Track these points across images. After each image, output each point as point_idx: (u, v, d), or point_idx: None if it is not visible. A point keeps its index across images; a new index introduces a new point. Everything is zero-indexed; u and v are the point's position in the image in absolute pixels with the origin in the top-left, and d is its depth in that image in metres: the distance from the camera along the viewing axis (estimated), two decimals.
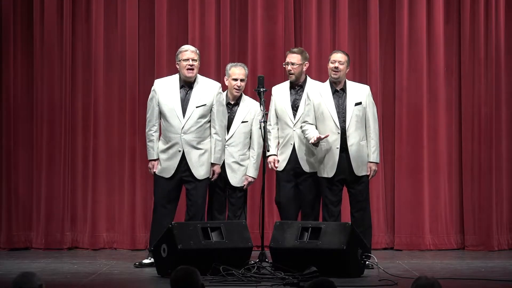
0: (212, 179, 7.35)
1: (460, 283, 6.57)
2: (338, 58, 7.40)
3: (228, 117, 7.46)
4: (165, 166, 7.30)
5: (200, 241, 6.69)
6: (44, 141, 8.85)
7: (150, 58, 8.97)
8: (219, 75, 8.55)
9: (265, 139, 7.26)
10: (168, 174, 7.29)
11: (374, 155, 7.37)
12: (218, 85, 7.43)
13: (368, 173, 7.39)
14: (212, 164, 7.32)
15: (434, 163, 8.95)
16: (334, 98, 7.38)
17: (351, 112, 7.33)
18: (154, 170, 7.36)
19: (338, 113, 7.34)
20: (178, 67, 7.39)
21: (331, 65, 7.39)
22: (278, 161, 7.55)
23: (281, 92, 7.62)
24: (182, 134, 7.27)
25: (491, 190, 8.88)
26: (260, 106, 7.35)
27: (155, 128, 7.37)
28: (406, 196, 8.93)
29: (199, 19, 8.92)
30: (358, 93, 7.41)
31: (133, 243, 8.83)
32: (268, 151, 7.41)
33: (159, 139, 7.38)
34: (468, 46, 8.96)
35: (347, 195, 7.45)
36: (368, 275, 6.77)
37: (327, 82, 7.47)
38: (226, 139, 7.45)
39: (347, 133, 7.31)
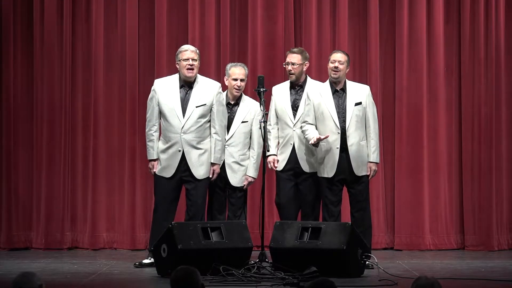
0: (212, 179, 7.35)
1: (460, 283, 6.57)
2: (338, 58, 7.40)
3: (228, 117, 7.46)
4: (165, 166, 7.30)
5: (200, 241, 6.69)
6: (44, 141, 8.85)
7: (150, 58, 8.97)
8: (219, 75, 8.55)
9: (265, 139, 7.26)
10: (168, 174, 7.29)
11: (374, 155, 7.37)
12: (218, 85, 7.43)
13: (368, 173, 7.39)
14: (212, 164, 7.32)
15: (434, 163, 8.95)
16: (334, 98, 7.38)
17: (351, 112, 7.33)
18: (154, 170, 7.36)
19: (338, 113, 7.34)
20: (178, 67, 7.39)
21: (331, 65, 7.40)
22: (277, 161, 7.55)
23: (281, 92, 7.62)
24: (182, 134, 7.27)
25: (491, 190, 8.88)
26: (260, 106, 7.35)
27: (155, 128, 7.38)
28: (406, 196, 8.93)
29: (199, 19, 8.92)
30: (358, 93, 7.41)
31: (133, 243, 8.83)
32: (268, 151, 7.41)
33: (159, 139, 7.38)
34: (468, 46, 8.96)
35: (347, 195, 7.45)
36: (368, 275, 6.77)
37: (327, 82, 7.47)
38: (226, 139, 7.45)
39: (347, 133, 7.31)
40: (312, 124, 7.36)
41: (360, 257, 6.71)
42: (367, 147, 7.38)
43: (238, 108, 7.53)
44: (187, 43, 8.12)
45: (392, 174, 8.99)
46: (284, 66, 7.65)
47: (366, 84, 7.94)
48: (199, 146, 7.29)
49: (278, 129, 7.61)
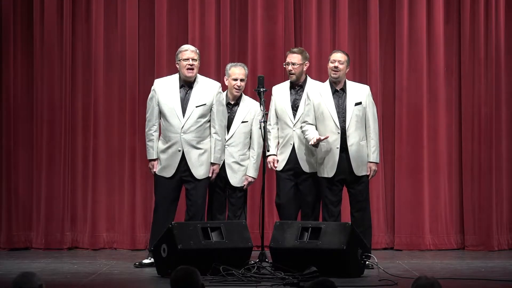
0: (211, 179, 7.35)
1: (460, 283, 6.57)
2: (338, 57, 7.40)
3: (228, 117, 7.46)
4: (165, 165, 7.30)
5: (200, 241, 6.68)
6: (44, 141, 8.85)
7: (150, 58, 8.97)
8: (219, 75, 8.55)
9: (265, 139, 7.26)
10: (168, 174, 7.29)
11: (374, 155, 7.37)
12: (218, 84, 7.43)
13: (368, 173, 7.39)
14: (212, 164, 7.32)
15: (434, 163, 8.95)
16: (334, 98, 7.38)
17: (351, 112, 7.32)
18: (154, 170, 7.36)
19: (338, 113, 7.34)
20: (178, 66, 7.39)
21: (330, 65, 7.40)
22: (277, 161, 7.55)
23: (281, 92, 7.62)
24: (181, 134, 7.27)
25: (491, 190, 8.88)
26: (260, 106, 7.34)
27: (155, 127, 7.38)
28: (406, 196, 8.93)
29: (199, 19, 8.92)
30: (358, 93, 7.41)
31: (133, 243, 8.83)
32: (268, 151, 7.41)
33: (159, 138, 7.39)
34: (468, 46, 8.96)
35: (347, 195, 7.45)
36: (368, 275, 6.77)
37: (327, 82, 7.47)
38: (226, 139, 7.45)
39: (347, 133, 7.31)
40: (312, 124, 7.36)
41: (360, 257, 6.71)
42: (367, 147, 7.38)
43: (238, 108, 7.53)
44: (187, 43, 8.11)
45: (392, 174, 8.99)
46: (284, 66, 7.65)
47: (366, 84, 7.94)
48: (199, 146, 7.29)
49: (278, 129, 7.61)
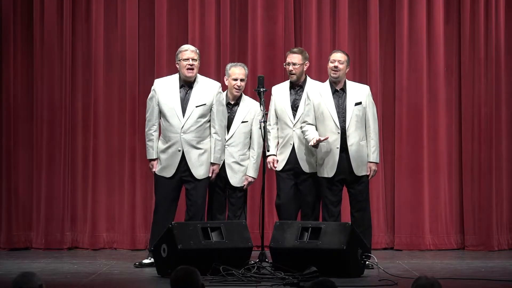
0: (211, 179, 7.35)
1: (460, 283, 6.56)
2: (337, 57, 7.40)
3: (228, 117, 7.46)
4: (165, 165, 7.30)
5: (200, 241, 6.68)
6: (44, 141, 8.85)
7: (150, 58, 8.97)
8: (219, 75, 8.55)
9: (265, 139, 7.26)
10: (168, 174, 7.29)
11: (374, 155, 7.37)
12: (218, 84, 7.43)
13: (368, 173, 7.39)
14: (212, 164, 7.32)
15: (434, 163, 8.95)
16: (334, 98, 7.38)
17: (351, 112, 7.32)
18: (154, 170, 7.36)
19: (338, 113, 7.34)
20: (178, 66, 7.39)
21: (330, 65, 7.40)
22: (277, 161, 7.54)
23: (281, 92, 7.62)
24: (181, 134, 7.27)
25: (491, 190, 8.88)
26: (260, 106, 7.34)
27: (155, 127, 7.38)
28: (406, 196, 8.93)
29: (199, 19, 8.92)
30: (358, 93, 7.41)
31: (133, 243, 8.83)
32: (268, 151, 7.41)
33: (159, 138, 7.39)
34: (468, 46, 8.96)
35: (347, 195, 7.45)
36: (368, 275, 6.77)
37: (327, 82, 7.47)
38: (226, 139, 7.45)
39: (347, 133, 7.31)
40: (312, 125, 7.35)
41: (360, 257, 6.71)
42: (367, 147, 7.38)
43: (238, 108, 7.53)
44: (187, 43, 8.11)
45: (392, 174, 8.99)
46: (285, 66, 7.64)
47: (366, 84, 7.94)
48: (199, 146, 7.29)
49: (277, 129, 7.60)
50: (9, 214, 8.84)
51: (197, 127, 7.28)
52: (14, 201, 8.86)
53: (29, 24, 8.93)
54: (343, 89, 7.40)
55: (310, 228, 6.78)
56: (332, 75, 7.39)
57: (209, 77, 7.65)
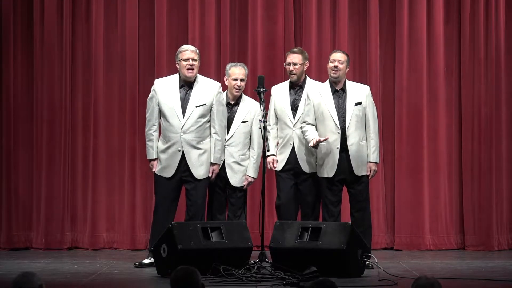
0: (211, 179, 7.35)
1: (460, 283, 6.56)
2: (337, 57, 7.40)
3: (228, 117, 7.46)
4: (165, 165, 7.30)
5: (200, 241, 6.68)
6: (44, 141, 8.85)
7: (150, 58, 8.97)
8: (219, 75, 8.55)
9: (265, 139, 7.26)
10: (168, 174, 7.29)
11: (374, 155, 7.37)
12: (218, 85, 7.43)
13: (368, 173, 7.39)
14: (212, 164, 7.32)
15: (434, 163, 8.95)
16: (334, 98, 7.38)
17: (351, 112, 7.32)
18: (154, 170, 7.36)
19: (338, 113, 7.34)
20: (178, 67, 7.39)
21: (330, 64, 7.40)
22: (277, 161, 7.54)
23: (280, 92, 7.61)
24: (181, 134, 7.27)
25: (491, 190, 8.88)
26: (260, 106, 7.34)
27: (155, 127, 7.38)
28: (406, 196, 8.93)
29: (199, 19, 8.92)
30: (358, 93, 7.41)
31: (133, 243, 8.83)
32: (268, 151, 7.41)
33: (159, 138, 7.39)
34: (468, 46, 8.96)
35: (347, 195, 7.45)
36: (368, 275, 6.77)
37: (327, 82, 7.47)
38: (226, 139, 7.45)
39: (347, 133, 7.31)
40: (312, 125, 7.35)
41: (360, 257, 6.71)
42: (367, 147, 7.38)
43: (238, 108, 7.53)
44: (187, 43, 8.11)
45: (392, 174, 8.99)
46: (285, 66, 7.63)
47: (366, 84, 7.94)
48: (199, 146, 7.29)
49: (277, 129, 7.60)
50: (9, 214, 8.84)
51: (197, 127, 7.28)
52: (14, 201, 8.86)
53: (29, 24, 8.93)
54: (343, 89, 7.41)
55: (310, 228, 6.78)
56: (332, 75, 7.40)
57: (209, 77, 7.65)
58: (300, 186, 7.52)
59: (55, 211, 8.80)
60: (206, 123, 7.33)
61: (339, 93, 7.40)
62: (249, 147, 7.54)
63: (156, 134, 7.38)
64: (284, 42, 8.89)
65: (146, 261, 7.33)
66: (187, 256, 6.45)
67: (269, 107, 7.60)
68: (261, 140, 7.36)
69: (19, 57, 8.94)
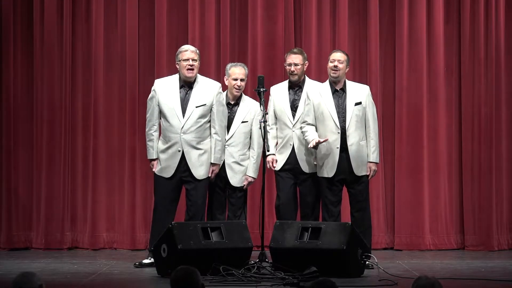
0: (211, 179, 7.35)
1: (460, 283, 6.56)
2: (337, 57, 7.41)
3: (228, 117, 7.46)
4: (165, 166, 7.30)
5: (200, 241, 6.68)
6: (44, 141, 8.85)
7: (150, 58, 8.97)
8: (219, 75, 8.55)
9: (265, 139, 7.26)
10: (168, 174, 7.29)
11: (373, 155, 7.37)
12: (218, 85, 7.43)
13: (368, 173, 7.39)
14: (212, 164, 7.32)
15: (434, 163, 8.95)
16: (334, 98, 7.38)
17: (351, 112, 7.32)
18: (154, 170, 7.36)
19: (338, 113, 7.34)
20: (178, 67, 7.39)
21: (330, 64, 7.40)
22: (276, 160, 7.53)
23: (279, 93, 7.61)
24: (181, 134, 7.26)
25: (491, 190, 8.88)
26: (260, 106, 7.34)
27: (155, 127, 7.38)
28: (406, 196, 8.93)
29: (199, 19, 8.92)
30: (358, 93, 7.41)
31: (133, 243, 8.83)
32: (268, 151, 7.41)
33: (159, 138, 7.38)
34: (468, 46, 8.96)
35: (347, 195, 7.45)
36: (368, 275, 6.77)
37: (327, 82, 7.47)
38: (226, 139, 7.44)
39: (347, 133, 7.31)
40: (311, 125, 7.35)
41: (360, 257, 6.71)
42: (367, 147, 7.38)
43: (238, 108, 7.53)
44: (187, 43, 8.12)
45: (392, 174, 8.99)
46: (286, 67, 7.62)
47: (366, 84, 7.94)
48: (199, 146, 7.28)
49: (276, 129, 7.60)
50: (9, 214, 8.84)
51: (197, 128, 7.28)
52: (14, 201, 8.86)
53: (29, 24, 8.93)
54: (343, 89, 7.41)
55: (310, 228, 6.78)
56: (332, 74, 7.40)
57: (209, 77, 7.65)
58: (300, 186, 7.52)
59: (55, 211, 8.80)
60: (206, 124, 7.33)
61: (339, 93, 7.40)
62: (249, 147, 7.54)
63: (156, 134, 7.38)
64: (284, 42, 8.89)
65: (146, 261, 7.33)
66: (187, 256, 6.45)
67: (268, 107, 7.59)
68: (261, 140, 7.35)
69: (19, 57, 8.94)
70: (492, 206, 8.87)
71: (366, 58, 8.97)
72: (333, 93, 7.39)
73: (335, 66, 7.37)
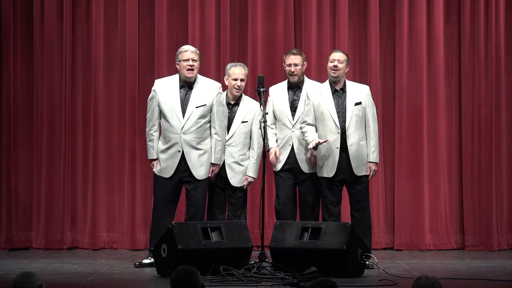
0: (211, 179, 7.34)
1: (460, 283, 6.56)
2: (337, 57, 7.41)
3: (228, 117, 7.46)
4: (165, 166, 7.30)
5: (200, 241, 6.68)
6: (44, 141, 8.85)
7: (150, 58, 8.97)
8: (219, 75, 8.55)
9: (265, 139, 7.26)
10: (167, 174, 7.29)
11: (373, 155, 7.37)
12: (218, 85, 7.43)
13: (367, 173, 7.39)
14: (212, 164, 7.32)
15: (434, 163, 8.95)
16: (333, 98, 7.38)
17: (351, 112, 7.32)
18: (154, 170, 7.36)
19: (338, 113, 7.34)
20: (178, 67, 7.39)
21: (330, 64, 7.40)
22: (279, 152, 7.49)
23: (279, 93, 7.61)
24: (181, 134, 7.26)
25: (491, 190, 8.89)
26: (260, 106, 7.34)
27: (155, 127, 7.38)
28: (406, 196, 8.93)
29: (199, 19, 8.92)
30: (358, 93, 7.41)
31: (133, 243, 8.83)
32: (268, 151, 7.41)
33: (159, 138, 7.38)
34: (468, 46, 8.96)
35: (347, 195, 7.45)
36: (368, 275, 6.77)
37: (327, 82, 7.47)
38: (226, 139, 7.44)
39: (347, 133, 7.31)
40: (311, 125, 7.35)
41: (360, 257, 6.71)
42: (367, 147, 7.38)
43: (238, 108, 7.53)
44: (187, 43, 8.12)
45: (392, 174, 8.99)
46: (286, 68, 7.61)
47: (366, 84, 7.94)
48: (199, 146, 7.28)
49: (276, 129, 7.59)
50: (9, 214, 8.84)
51: (197, 128, 7.28)
52: (14, 201, 8.86)
53: (29, 24, 8.93)
54: (343, 89, 7.41)
55: (310, 228, 6.78)
56: (331, 74, 7.40)
57: (209, 77, 7.65)
58: (299, 186, 7.52)
59: (55, 211, 8.80)
60: (206, 124, 7.33)
61: (339, 93, 7.40)
62: (249, 147, 7.54)
63: (156, 134, 7.38)
64: (284, 42, 8.90)
65: (146, 261, 7.33)
66: (187, 256, 6.45)
67: (267, 107, 7.58)
68: (261, 140, 7.36)
69: (19, 57, 8.94)
70: (492, 206, 8.87)
71: (366, 58, 8.98)
72: (333, 93, 7.39)
73: (335, 66, 7.37)
